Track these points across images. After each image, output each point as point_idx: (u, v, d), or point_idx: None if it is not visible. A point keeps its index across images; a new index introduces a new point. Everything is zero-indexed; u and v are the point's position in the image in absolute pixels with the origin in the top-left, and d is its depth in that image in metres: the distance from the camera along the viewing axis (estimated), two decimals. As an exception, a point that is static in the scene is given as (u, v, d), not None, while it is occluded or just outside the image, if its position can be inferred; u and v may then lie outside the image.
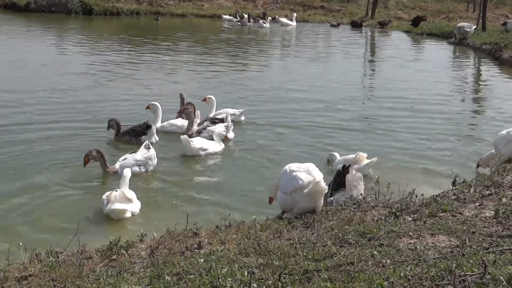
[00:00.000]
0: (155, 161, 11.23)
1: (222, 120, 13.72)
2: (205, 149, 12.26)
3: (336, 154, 11.58)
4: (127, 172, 9.65)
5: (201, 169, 11.69)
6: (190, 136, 13.00)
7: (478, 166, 11.33)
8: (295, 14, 41.60)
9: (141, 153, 11.12)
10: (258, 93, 18.49)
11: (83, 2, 40.86)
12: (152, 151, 11.19)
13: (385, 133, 14.23)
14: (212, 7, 45.77)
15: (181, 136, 12.25)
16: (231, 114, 14.27)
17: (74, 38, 30.19)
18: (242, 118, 14.72)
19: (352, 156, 11.05)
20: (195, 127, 13.58)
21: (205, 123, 13.71)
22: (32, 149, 12.10)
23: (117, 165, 11.06)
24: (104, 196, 9.07)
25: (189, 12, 43.48)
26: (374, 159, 10.92)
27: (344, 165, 8.74)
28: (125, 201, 8.96)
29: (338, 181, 8.57)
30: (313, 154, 12.26)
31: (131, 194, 9.14)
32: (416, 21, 39.12)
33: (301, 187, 7.47)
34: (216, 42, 31.19)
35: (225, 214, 7.76)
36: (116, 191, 8.99)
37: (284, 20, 40.89)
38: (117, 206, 8.80)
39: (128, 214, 8.97)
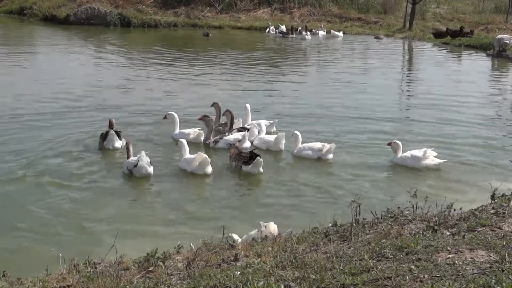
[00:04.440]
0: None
1: (239, 130, 13.95)
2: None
3: (299, 133, 13.02)
4: (184, 141, 12.08)
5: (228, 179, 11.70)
6: (208, 145, 13.50)
7: (389, 144, 12.72)
8: (341, 32, 41.37)
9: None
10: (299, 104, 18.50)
11: (121, 14, 41.34)
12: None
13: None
14: (249, 19, 45.85)
15: (278, 134, 13.25)
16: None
17: (125, 51, 30.61)
18: (273, 129, 14.76)
19: (319, 145, 12.71)
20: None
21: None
22: (60, 150, 12.79)
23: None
24: (189, 159, 11.52)
25: (226, 24, 43.64)
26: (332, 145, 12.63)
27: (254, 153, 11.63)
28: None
29: (248, 159, 11.54)
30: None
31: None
32: (454, 34, 38.68)
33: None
34: (259, 54, 31.11)
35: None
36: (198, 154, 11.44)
37: (334, 32, 40.87)
38: (202, 163, 11.34)
39: (209, 171, 11.52)
